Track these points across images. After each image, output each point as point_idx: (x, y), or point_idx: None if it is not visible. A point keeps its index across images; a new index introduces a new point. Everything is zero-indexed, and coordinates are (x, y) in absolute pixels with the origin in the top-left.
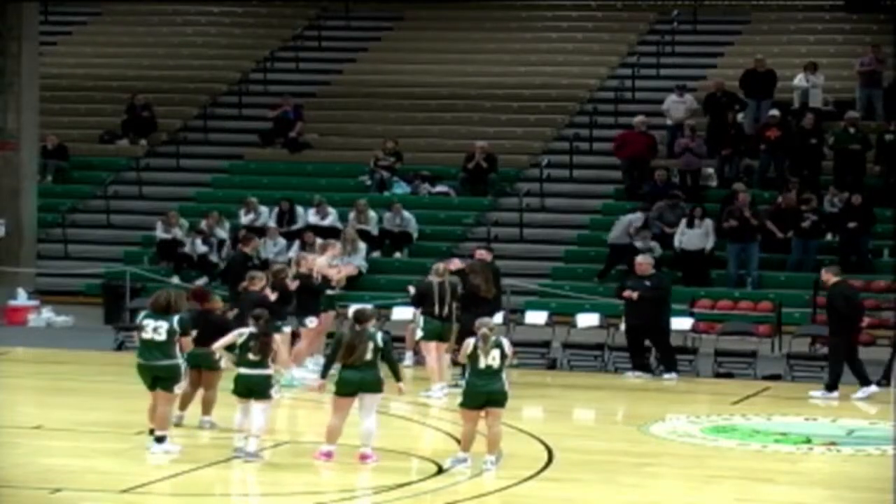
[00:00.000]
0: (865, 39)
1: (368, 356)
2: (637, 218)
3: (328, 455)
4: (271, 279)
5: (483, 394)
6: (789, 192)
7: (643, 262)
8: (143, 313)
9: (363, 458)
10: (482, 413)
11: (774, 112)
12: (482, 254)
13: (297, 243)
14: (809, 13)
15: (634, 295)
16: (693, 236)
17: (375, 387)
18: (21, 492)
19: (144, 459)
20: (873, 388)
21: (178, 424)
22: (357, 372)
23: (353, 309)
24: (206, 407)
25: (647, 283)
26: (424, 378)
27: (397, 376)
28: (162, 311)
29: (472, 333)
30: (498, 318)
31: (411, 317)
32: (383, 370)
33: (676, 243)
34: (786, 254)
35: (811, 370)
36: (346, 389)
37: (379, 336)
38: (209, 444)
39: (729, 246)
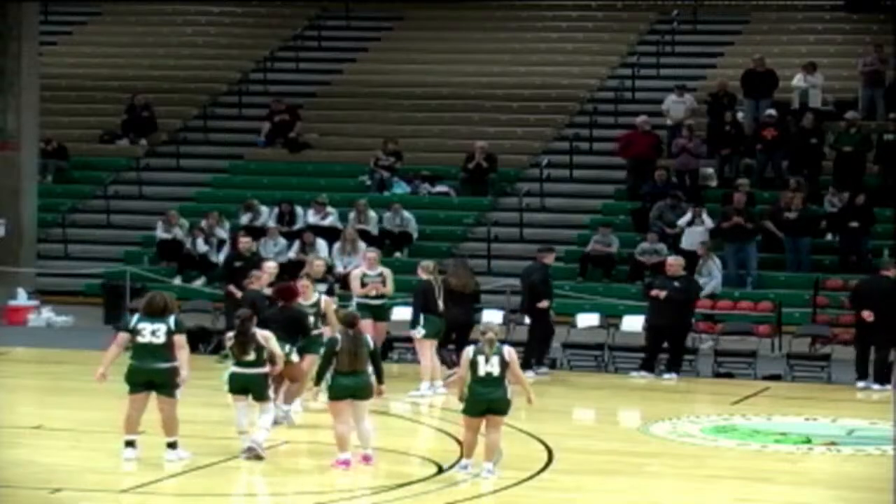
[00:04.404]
0: (865, 39)
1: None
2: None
3: (346, 463)
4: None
5: (485, 401)
6: (790, 192)
7: (673, 263)
8: (135, 317)
9: (366, 459)
10: (484, 420)
11: (771, 112)
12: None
13: (297, 243)
14: (809, 13)
15: (662, 294)
16: (693, 235)
17: (367, 393)
18: (21, 492)
19: (144, 459)
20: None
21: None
22: (351, 377)
23: (342, 313)
24: (288, 397)
25: (676, 283)
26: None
27: (381, 379)
28: (158, 314)
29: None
30: (498, 317)
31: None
32: None
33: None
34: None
35: (811, 370)
36: (341, 394)
37: (369, 339)
38: (209, 444)
39: (727, 246)
